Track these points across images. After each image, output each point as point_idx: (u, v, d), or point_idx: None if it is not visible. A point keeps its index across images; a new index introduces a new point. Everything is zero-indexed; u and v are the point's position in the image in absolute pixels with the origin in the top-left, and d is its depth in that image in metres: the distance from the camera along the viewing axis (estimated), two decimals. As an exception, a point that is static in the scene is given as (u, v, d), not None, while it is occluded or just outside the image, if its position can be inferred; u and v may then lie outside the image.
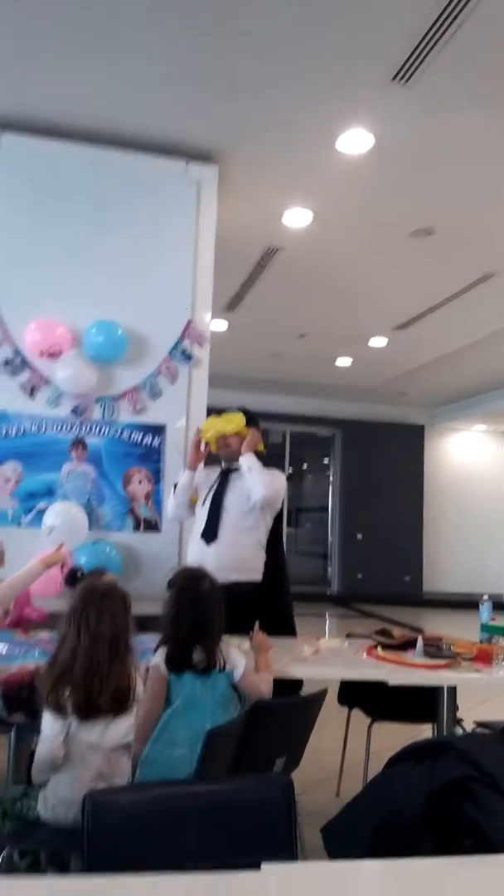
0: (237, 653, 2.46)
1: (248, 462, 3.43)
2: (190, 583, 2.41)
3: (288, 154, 4.54)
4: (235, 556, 3.37)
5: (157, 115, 4.15)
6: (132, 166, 4.29)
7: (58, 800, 1.99)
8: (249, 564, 3.42)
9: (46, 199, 4.12)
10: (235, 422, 3.53)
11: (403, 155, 4.47)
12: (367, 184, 4.86)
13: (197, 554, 3.42)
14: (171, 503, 3.65)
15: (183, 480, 3.60)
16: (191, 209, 4.32)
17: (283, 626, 3.47)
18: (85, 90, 3.96)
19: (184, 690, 2.28)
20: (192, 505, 3.60)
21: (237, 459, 3.56)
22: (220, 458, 3.64)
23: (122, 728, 2.06)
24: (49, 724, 1.99)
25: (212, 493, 3.53)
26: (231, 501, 3.46)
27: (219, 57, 3.66)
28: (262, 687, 2.45)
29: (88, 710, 1.99)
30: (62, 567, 3.49)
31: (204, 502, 3.52)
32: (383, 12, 3.29)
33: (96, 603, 2.07)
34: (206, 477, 3.67)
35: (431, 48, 3.48)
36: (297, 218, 5.40)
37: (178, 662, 2.30)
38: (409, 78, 3.72)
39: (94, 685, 2.00)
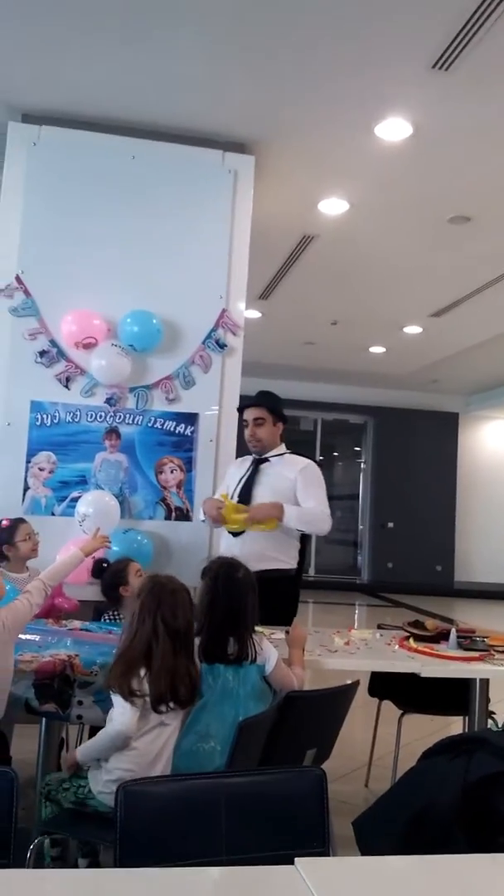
0: (270, 645, 2.46)
1: (291, 522, 3.34)
2: (225, 570, 2.42)
3: (325, 143, 4.50)
4: (264, 548, 3.34)
5: (194, 107, 4.14)
6: (170, 156, 4.28)
7: (117, 779, 2.02)
8: (279, 555, 3.40)
9: (83, 191, 4.13)
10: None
11: (442, 142, 4.41)
12: (405, 171, 4.80)
13: (225, 547, 3.43)
14: (201, 512, 3.60)
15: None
16: (227, 199, 4.30)
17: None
18: (122, 84, 3.96)
19: (216, 683, 2.29)
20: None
21: (268, 450, 3.56)
22: (249, 448, 3.61)
23: (179, 719, 2.14)
24: (121, 706, 2.05)
25: (241, 485, 3.50)
26: (260, 493, 3.43)
27: (255, 49, 3.63)
28: (294, 681, 2.46)
29: (164, 704, 2.07)
30: (94, 557, 3.52)
31: (233, 495, 3.49)
32: (425, 1, 3.23)
33: (169, 599, 2.14)
34: (238, 467, 3.66)
35: (473, 35, 3.41)
36: (333, 206, 5.35)
37: (211, 653, 2.31)
38: (450, 65, 3.66)
39: (178, 679, 2.08)
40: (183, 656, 2.11)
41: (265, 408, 3.55)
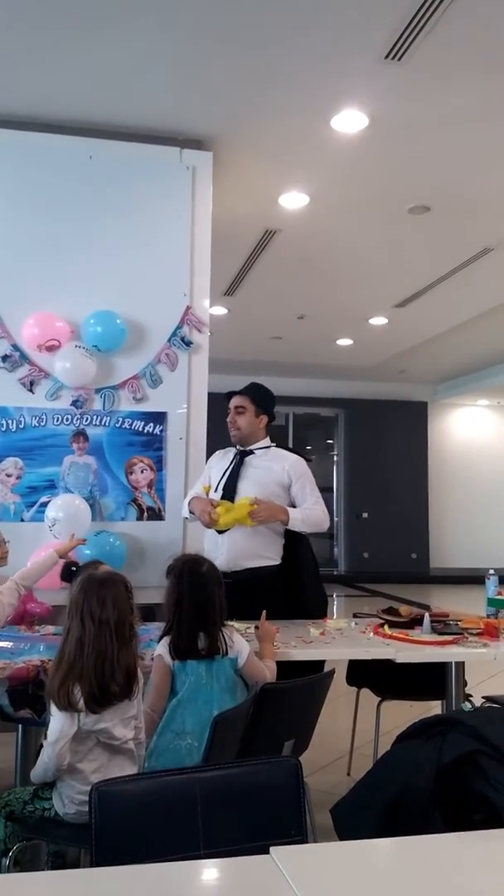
0: (241, 638, 2.47)
1: (297, 525, 3.31)
2: (189, 567, 2.42)
3: (282, 137, 4.50)
4: (250, 545, 3.31)
5: (149, 104, 4.12)
6: (127, 155, 4.26)
7: (81, 802, 1.98)
8: (265, 551, 3.36)
9: (41, 192, 4.10)
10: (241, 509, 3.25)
11: (398, 132, 4.43)
12: (363, 163, 4.82)
13: (209, 544, 3.39)
14: (185, 509, 3.55)
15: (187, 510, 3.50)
16: (186, 196, 4.29)
17: (303, 609, 3.41)
18: (76, 84, 3.93)
19: (189, 679, 2.29)
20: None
21: (249, 441, 3.49)
22: (233, 442, 3.55)
23: (128, 717, 2.07)
24: (58, 724, 1.98)
25: (225, 478, 3.45)
26: (245, 488, 3.37)
27: (209, 45, 3.62)
28: (266, 674, 2.46)
29: (102, 698, 1.99)
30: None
31: (216, 488, 3.43)
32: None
33: (96, 591, 2.06)
34: (220, 459, 3.59)
35: (424, 24, 3.43)
36: (293, 200, 5.36)
37: (182, 650, 2.31)
38: (402, 56, 3.68)
39: (106, 672, 2.00)
40: (115, 647, 2.02)
41: (248, 397, 3.50)
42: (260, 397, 3.54)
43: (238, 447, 3.53)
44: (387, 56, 3.69)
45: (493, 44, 3.61)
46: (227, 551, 3.26)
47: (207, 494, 3.37)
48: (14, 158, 4.12)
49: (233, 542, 3.28)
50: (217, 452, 3.69)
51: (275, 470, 3.41)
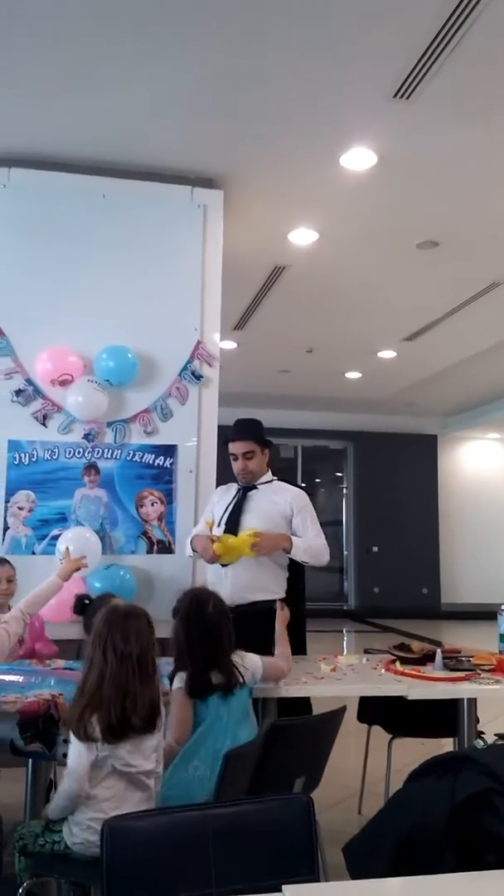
0: (250, 656, 2.49)
1: (299, 554, 3.31)
2: (195, 607, 2.42)
3: (292, 175, 4.59)
4: (254, 578, 3.29)
5: (162, 144, 4.22)
6: (139, 193, 4.35)
7: (87, 828, 1.98)
8: (269, 585, 3.35)
9: (55, 230, 4.18)
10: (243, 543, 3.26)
11: (406, 169, 4.51)
12: (372, 199, 4.89)
13: (213, 576, 3.37)
14: (188, 548, 3.52)
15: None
16: (197, 233, 4.37)
17: (297, 644, 3.44)
18: (90, 125, 4.03)
19: (209, 713, 2.30)
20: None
21: (256, 479, 3.49)
22: (237, 479, 3.55)
23: (149, 747, 2.06)
24: (76, 755, 1.98)
25: (228, 512, 3.45)
26: (248, 520, 3.37)
27: (220, 86, 3.72)
28: (283, 667, 2.61)
29: (120, 730, 1.99)
30: (77, 595, 3.48)
31: (220, 523, 3.43)
32: (383, 33, 3.33)
33: (120, 624, 2.07)
34: (223, 495, 3.60)
35: (432, 64, 3.51)
36: (303, 236, 5.44)
37: (200, 690, 2.32)
38: (410, 94, 3.76)
39: (127, 705, 2.00)
40: (138, 681, 2.02)
41: (253, 440, 3.49)
42: (261, 435, 3.54)
43: (241, 482, 3.53)
44: (395, 95, 3.77)
45: (499, 82, 3.69)
46: (231, 584, 3.24)
47: (211, 530, 3.36)
48: (30, 197, 4.21)
49: (236, 576, 3.26)
50: (219, 488, 3.71)
51: (278, 502, 3.42)
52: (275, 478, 3.57)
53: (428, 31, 3.31)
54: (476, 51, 3.44)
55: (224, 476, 4.17)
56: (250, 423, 3.60)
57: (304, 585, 3.67)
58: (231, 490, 3.57)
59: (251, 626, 3.04)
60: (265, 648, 3.07)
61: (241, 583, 3.24)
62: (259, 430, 3.56)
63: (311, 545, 3.34)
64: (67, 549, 3.05)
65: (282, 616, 2.85)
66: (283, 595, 3.39)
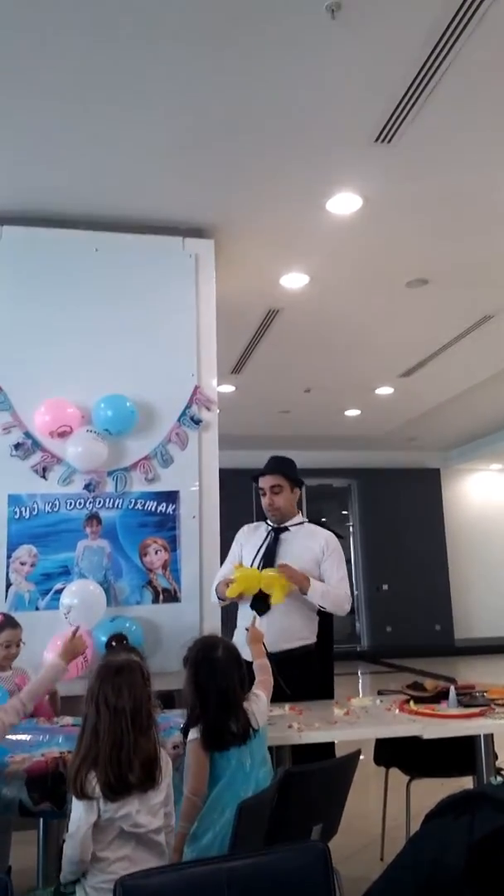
0: (256, 697, 2.47)
1: (315, 598, 3.26)
2: (204, 655, 2.38)
3: (280, 222, 4.68)
4: (289, 626, 3.25)
5: (152, 197, 4.31)
6: (132, 246, 4.43)
7: (100, 890, 1.93)
8: (301, 630, 3.32)
9: (49, 285, 4.24)
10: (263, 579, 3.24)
11: (391, 211, 4.59)
12: (359, 241, 4.98)
13: (245, 624, 3.21)
14: (213, 594, 3.51)
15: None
16: (190, 281, 4.44)
17: (325, 688, 3.40)
18: (81, 181, 4.12)
19: (230, 764, 2.26)
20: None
21: (287, 518, 3.44)
22: (267, 517, 3.50)
23: (156, 804, 2.02)
24: (77, 816, 1.95)
25: (259, 557, 3.36)
26: None
27: (207, 138, 3.81)
28: (270, 681, 2.67)
29: (119, 787, 1.95)
30: (84, 656, 3.43)
31: (252, 566, 3.35)
32: (362, 80, 3.43)
33: (112, 678, 2.05)
34: (250, 535, 3.53)
35: (410, 108, 3.61)
36: (294, 280, 5.52)
37: (220, 742, 2.27)
38: (391, 138, 3.85)
39: (122, 760, 1.96)
40: (133, 736, 1.99)
41: (281, 474, 3.48)
42: (290, 471, 3.51)
43: (270, 523, 3.49)
44: (377, 139, 3.86)
45: (476, 125, 3.78)
46: (266, 632, 3.16)
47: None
48: (23, 252, 4.28)
49: (270, 625, 3.18)
50: (245, 528, 3.63)
51: (312, 548, 3.38)
52: (306, 519, 3.53)
53: (404, 77, 3.41)
54: (451, 96, 3.53)
55: (228, 520, 4.18)
56: (280, 458, 3.60)
57: (333, 629, 3.61)
58: (260, 530, 3.52)
59: (286, 673, 3.00)
60: (304, 693, 3.07)
61: (275, 631, 3.17)
62: (288, 466, 3.55)
63: (329, 591, 3.29)
64: (77, 628, 2.92)
65: (254, 632, 2.90)
66: (314, 639, 3.35)
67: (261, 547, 3.41)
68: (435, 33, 3.15)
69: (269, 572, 3.23)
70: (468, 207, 4.59)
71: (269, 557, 3.35)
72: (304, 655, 3.28)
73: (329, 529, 3.54)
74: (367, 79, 3.43)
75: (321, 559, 3.36)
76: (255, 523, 3.58)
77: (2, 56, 3.20)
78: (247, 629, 2.97)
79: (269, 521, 3.51)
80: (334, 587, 3.33)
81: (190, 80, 3.39)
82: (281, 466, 3.52)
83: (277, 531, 3.44)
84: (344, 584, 3.36)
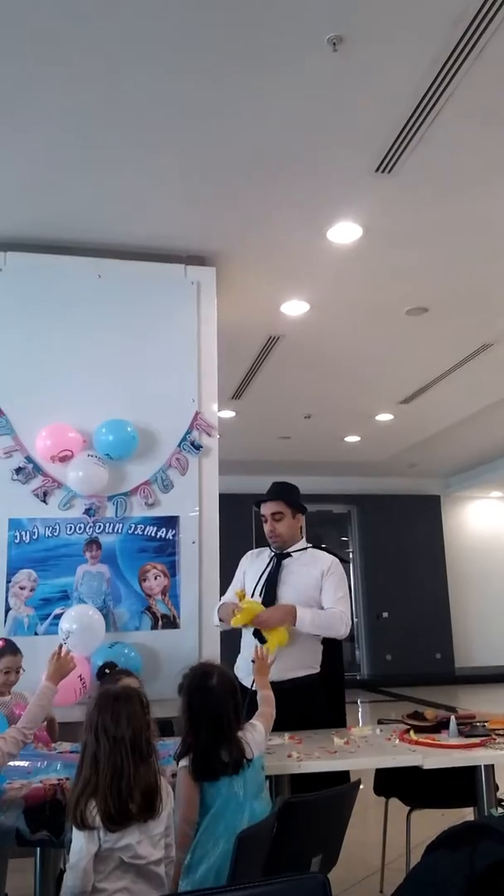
0: (252, 727, 2.43)
1: (305, 627, 3.18)
2: (198, 684, 2.35)
3: (281, 251, 4.73)
4: (294, 654, 3.20)
5: (154, 224, 4.37)
6: (134, 273, 4.48)
7: None
8: (307, 660, 3.27)
9: (52, 311, 4.28)
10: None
11: (391, 240, 4.65)
12: (359, 270, 5.03)
13: (249, 651, 3.15)
14: (215, 617, 3.48)
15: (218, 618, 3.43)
16: (191, 308, 4.48)
17: (338, 717, 3.36)
18: (85, 208, 4.18)
19: (220, 794, 2.22)
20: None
21: (289, 544, 3.41)
22: (269, 543, 3.47)
23: (157, 834, 2.00)
24: (78, 847, 1.92)
25: (261, 585, 3.33)
26: (285, 592, 3.28)
27: (209, 168, 3.87)
28: (269, 710, 2.64)
29: (119, 817, 1.93)
30: (83, 682, 3.39)
31: (254, 593, 3.32)
32: (363, 111, 3.49)
33: (111, 706, 2.03)
34: (253, 561, 3.50)
35: (410, 139, 3.66)
36: (294, 307, 5.57)
37: (209, 771, 2.24)
38: (392, 168, 3.91)
39: (123, 790, 1.94)
40: (132, 764, 1.98)
41: (283, 501, 3.44)
42: (292, 497, 3.47)
43: (273, 549, 3.47)
44: (377, 169, 3.92)
45: (476, 156, 3.84)
46: (273, 665, 3.10)
47: (242, 600, 3.26)
48: (26, 279, 4.33)
49: (279, 657, 3.12)
50: (249, 553, 3.60)
51: (314, 575, 3.33)
52: (309, 545, 3.49)
53: (405, 108, 3.47)
54: (451, 126, 3.59)
55: (228, 545, 4.17)
56: (283, 485, 3.55)
57: (342, 656, 3.57)
58: (263, 556, 3.49)
59: (291, 703, 2.96)
60: (308, 722, 3.03)
61: (282, 662, 3.11)
62: (289, 493, 3.50)
63: (318, 616, 3.21)
64: (60, 646, 2.75)
65: (260, 663, 2.85)
66: (318, 668, 3.31)
67: (263, 573, 3.39)
68: (435, 65, 3.21)
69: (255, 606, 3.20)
70: (468, 237, 4.64)
71: (270, 584, 3.32)
72: (308, 685, 3.24)
73: (332, 553, 3.50)
74: (368, 110, 3.49)
75: (321, 585, 3.33)
76: (258, 549, 3.55)
77: (7, 85, 3.26)
78: (253, 661, 2.91)
79: (272, 548, 3.49)
80: (329, 606, 3.26)
81: (192, 111, 3.45)
82: (282, 493, 3.49)
83: (280, 557, 3.42)
84: (341, 603, 3.28)
